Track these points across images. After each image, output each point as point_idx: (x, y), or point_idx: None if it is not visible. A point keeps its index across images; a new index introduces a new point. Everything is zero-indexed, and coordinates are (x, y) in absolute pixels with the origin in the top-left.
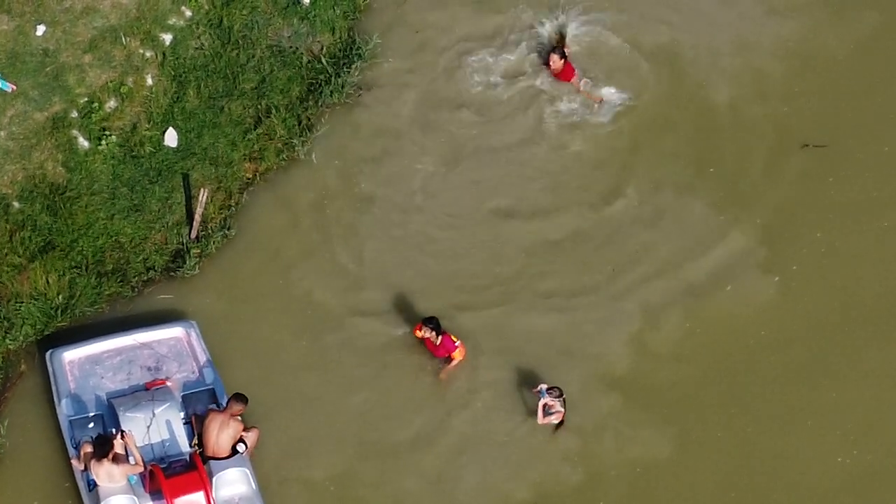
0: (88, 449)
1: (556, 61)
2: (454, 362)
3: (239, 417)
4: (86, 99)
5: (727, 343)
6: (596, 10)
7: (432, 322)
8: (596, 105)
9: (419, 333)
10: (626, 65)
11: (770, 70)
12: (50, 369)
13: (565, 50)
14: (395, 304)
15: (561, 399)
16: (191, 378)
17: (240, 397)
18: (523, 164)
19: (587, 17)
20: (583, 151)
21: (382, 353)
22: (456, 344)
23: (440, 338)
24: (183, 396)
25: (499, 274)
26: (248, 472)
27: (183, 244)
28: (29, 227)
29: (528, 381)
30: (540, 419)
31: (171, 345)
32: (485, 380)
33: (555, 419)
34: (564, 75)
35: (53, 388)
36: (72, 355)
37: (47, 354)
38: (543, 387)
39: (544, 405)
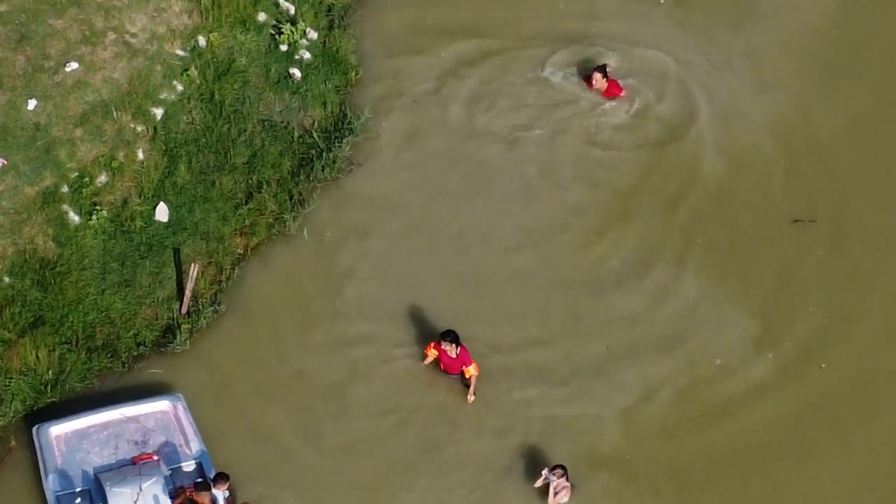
0: None
1: (598, 80)
2: (472, 379)
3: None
4: (77, 173)
5: (715, 418)
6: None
7: (451, 335)
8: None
9: (432, 352)
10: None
11: (760, 145)
12: (37, 444)
13: (607, 69)
14: (391, 379)
15: (565, 476)
16: (178, 452)
17: (202, 486)
18: (513, 241)
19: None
20: (572, 226)
21: (377, 428)
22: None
23: (458, 349)
24: (170, 470)
25: (494, 346)
26: None
27: (173, 319)
28: (19, 303)
29: (522, 458)
30: (551, 501)
31: (158, 418)
32: (477, 450)
33: (564, 497)
34: (610, 91)
35: (40, 464)
36: (59, 430)
37: (34, 429)
38: (546, 472)
39: (554, 487)
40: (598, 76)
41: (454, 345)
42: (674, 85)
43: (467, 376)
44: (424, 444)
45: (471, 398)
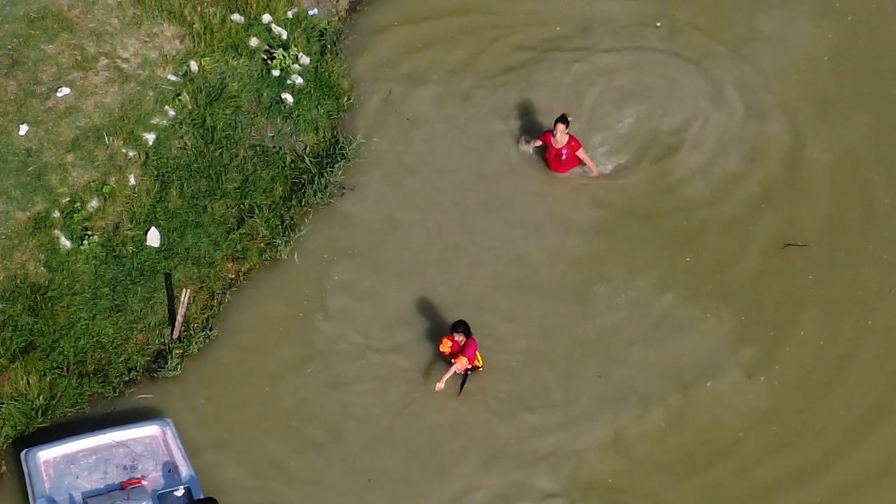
0: None
1: (561, 132)
2: (455, 367)
3: None
4: (68, 199)
5: (705, 445)
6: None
7: (462, 325)
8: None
9: (446, 344)
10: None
11: (753, 171)
12: (25, 469)
13: (569, 118)
14: (389, 405)
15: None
16: (166, 476)
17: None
18: (505, 264)
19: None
20: (563, 248)
21: (377, 455)
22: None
23: (467, 340)
24: (158, 495)
25: (486, 366)
26: None
27: (165, 344)
28: (10, 328)
29: (516, 483)
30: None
31: (147, 443)
32: (479, 482)
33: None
34: (569, 148)
35: (28, 489)
36: (47, 455)
37: (22, 454)
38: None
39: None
40: (561, 127)
41: (464, 336)
42: (668, 108)
43: (470, 367)
44: (426, 471)
45: (439, 385)
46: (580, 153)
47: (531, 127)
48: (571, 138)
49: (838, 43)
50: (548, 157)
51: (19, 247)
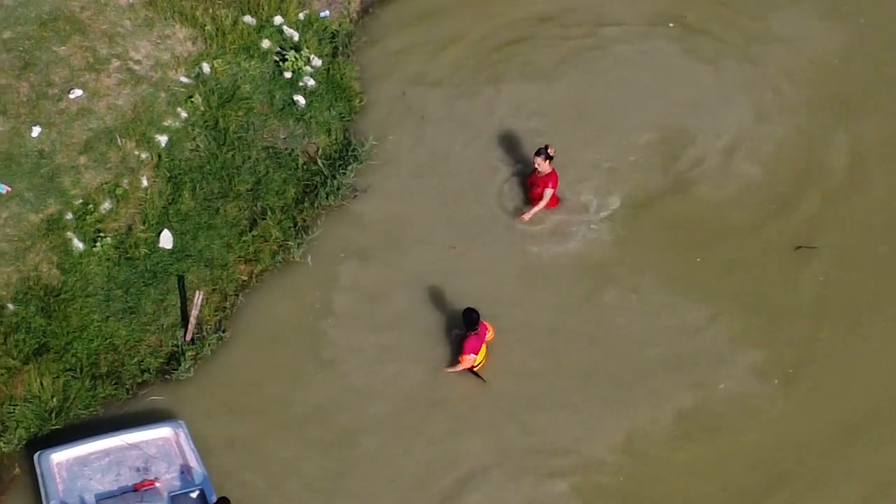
0: None
1: (541, 164)
2: (457, 366)
3: None
4: (81, 200)
5: (716, 447)
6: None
7: (464, 314)
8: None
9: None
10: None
11: (763, 174)
12: (38, 471)
13: (550, 151)
14: (406, 418)
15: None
16: (179, 478)
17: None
18: (516, 264)
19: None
20: (571, 249)
21: (394, 464)
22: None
23: (464, 335)
24: (172, 497)
25: (500, 368)
26: None
27: (177, 346)
28: (23, 330)
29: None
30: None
31: (160, 445)
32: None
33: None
34: (542, 181)
35: (42, 491)
36: (60, 457)
37: (35, 456)
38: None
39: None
40: (539, 160)
41: (466, 327)
42: (679, 109)
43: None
44: (443, 473)
45: (445, 370)
46: (547, 191)
47: (542, 129)
48: (551, 173)
49: (850, 45)
50: (527, 182)
51: (32, 249)
